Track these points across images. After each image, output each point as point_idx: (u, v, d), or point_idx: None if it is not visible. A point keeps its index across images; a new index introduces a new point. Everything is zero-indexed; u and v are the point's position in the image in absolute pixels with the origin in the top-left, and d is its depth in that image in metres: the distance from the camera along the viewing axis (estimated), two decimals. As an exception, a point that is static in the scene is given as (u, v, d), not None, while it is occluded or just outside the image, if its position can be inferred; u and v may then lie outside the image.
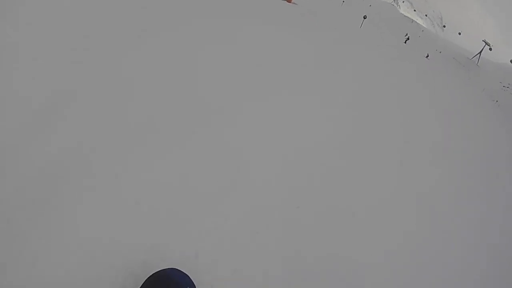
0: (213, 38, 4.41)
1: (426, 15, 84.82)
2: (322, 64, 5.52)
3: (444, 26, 57.74)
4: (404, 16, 56.36)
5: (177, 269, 1.43)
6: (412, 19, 55.73)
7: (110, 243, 1.78)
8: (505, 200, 4.46)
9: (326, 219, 2.57)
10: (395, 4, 67.80)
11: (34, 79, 2.55)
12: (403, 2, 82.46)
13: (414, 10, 78.45)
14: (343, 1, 36.35)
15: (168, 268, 1.42)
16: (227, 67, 3.92)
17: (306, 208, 2.58)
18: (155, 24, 4.02)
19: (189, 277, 1.42)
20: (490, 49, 47.30)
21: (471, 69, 43.57)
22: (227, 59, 4.10)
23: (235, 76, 3.79)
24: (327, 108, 4.18)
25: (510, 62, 55.43)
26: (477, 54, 45.94)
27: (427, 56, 25.68)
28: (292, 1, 13.12)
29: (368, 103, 4.90)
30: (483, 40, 45.72)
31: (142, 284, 1.39)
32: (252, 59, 4.41)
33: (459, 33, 60.38)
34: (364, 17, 12.43)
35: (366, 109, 4.69)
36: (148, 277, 1.39)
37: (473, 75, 41.09)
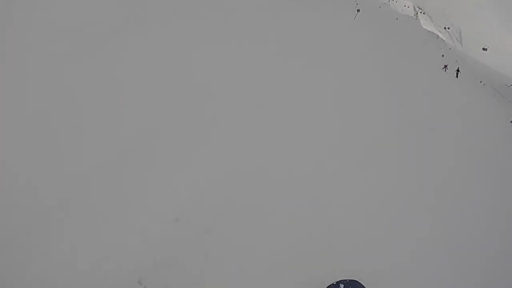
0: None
1: (446, 28, 76.86)
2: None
3: (485, 49, 48.13)
4: (428, 31, 48.98)
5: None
6: (437, 35, 48.38)
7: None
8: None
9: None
10: (415, 17, 60.26)
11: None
12: (423, 13, 73.78)
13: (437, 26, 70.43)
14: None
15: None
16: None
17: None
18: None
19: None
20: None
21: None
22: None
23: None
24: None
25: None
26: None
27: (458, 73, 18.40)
28: None
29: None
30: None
31: None
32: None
33: (484, 49, 52.69)
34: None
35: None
36: None
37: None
